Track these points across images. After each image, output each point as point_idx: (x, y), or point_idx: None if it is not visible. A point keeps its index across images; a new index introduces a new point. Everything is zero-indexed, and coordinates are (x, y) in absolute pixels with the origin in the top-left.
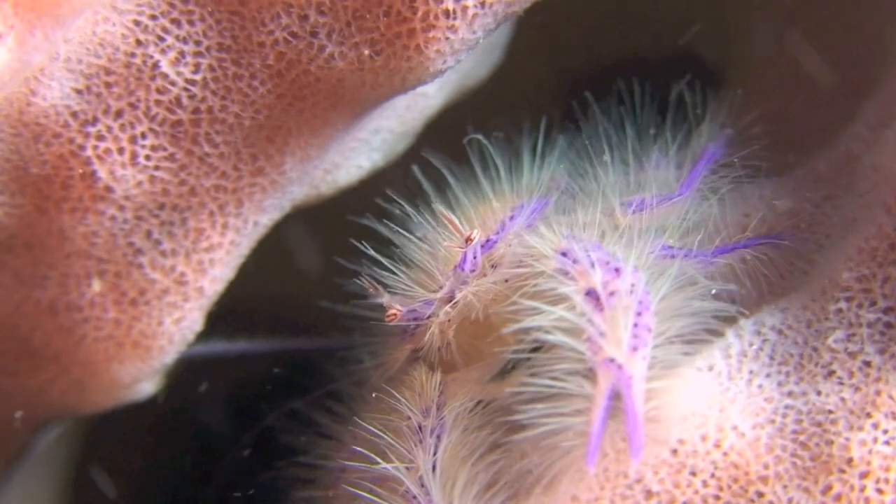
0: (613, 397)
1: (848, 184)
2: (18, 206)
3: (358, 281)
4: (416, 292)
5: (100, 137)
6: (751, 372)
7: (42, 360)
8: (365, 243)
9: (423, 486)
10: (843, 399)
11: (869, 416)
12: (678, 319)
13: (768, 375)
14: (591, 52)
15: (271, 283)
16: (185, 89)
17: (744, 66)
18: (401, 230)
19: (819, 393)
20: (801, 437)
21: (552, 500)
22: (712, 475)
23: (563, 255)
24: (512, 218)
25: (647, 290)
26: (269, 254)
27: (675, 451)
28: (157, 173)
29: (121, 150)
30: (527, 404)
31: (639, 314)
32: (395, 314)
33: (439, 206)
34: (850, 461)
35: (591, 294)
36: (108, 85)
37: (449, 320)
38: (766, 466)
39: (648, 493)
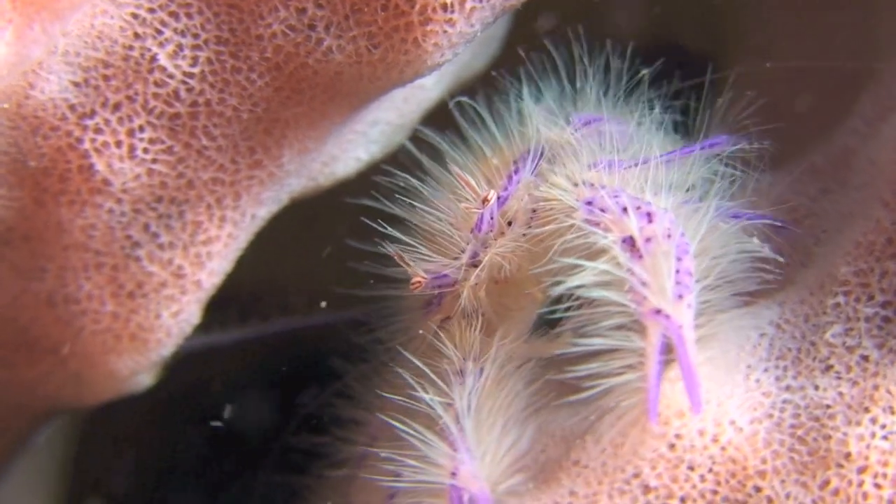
0: (664, 350)
1: (845, 178)
2: (16, 199)
3: (372, 262)
4: (436, 260)
5: (97, 130)
6: (748, 366)
7: (40, 353)
8: (378, 221)
9: (458, 423)
10: (840, 394)
11: (867, 410)
12: (719, 260)
13: (766, 370)
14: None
15: (280, 271)
16: (183, 82)
17: (737, 57)
18: (407, 201)
19: (817, 387)
20: (799, 432)
21: (550, 495)
22: (710, 470)
23: (589, 203)
24: (517, 171)
25: (683, 232)
26: (276, 241)
27: (672, 446)
28: (155, 166)
29: (118, 143)
30: (574, 364)
31: (679, 259)
32: (419, 282)
33: (456, 168)
34: (847, 456)
35: (627, 242)
36: (105, 78)
37: (478, 283)
38: (763, 461)
39: (646, 488)
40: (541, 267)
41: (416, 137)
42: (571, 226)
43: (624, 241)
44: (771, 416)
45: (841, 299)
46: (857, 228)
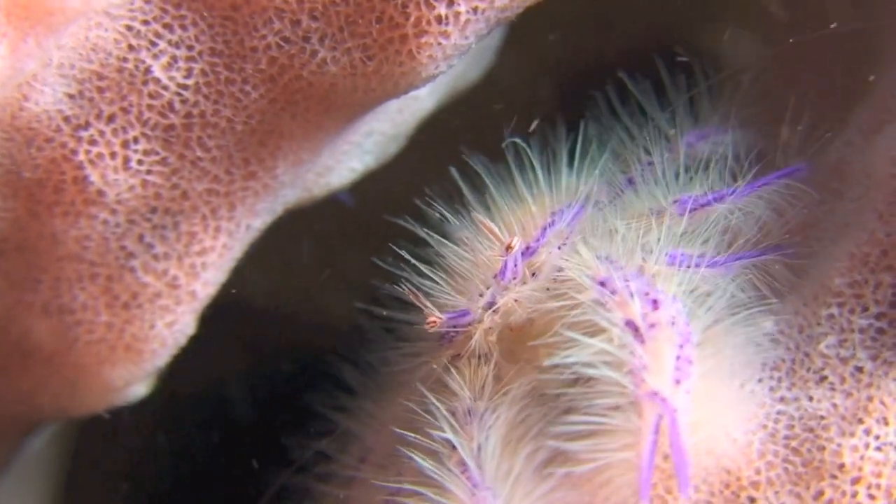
0: (658, 431)
1: (840, 189)
2: (10, 210)
3: (395, 287)
4: (456, 300)
5: (92, 142)
6: (742, 377)
7: (34, 363)
8: (403, 247)
9: (475, 460)
10: (834, 405)
11: (861, 421)
12: (719, 350)
13: (760, 381)
14: (584, 53)
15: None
16: (178, 94)
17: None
18: (440, 236)
19: (811, 398)
20: (793, 443)
21: None
22: (704, 480)
23: (602, 284)
24: (552, 224)
25: (687, 322)
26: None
27: (666, 457)
28: (150, 177)
29: (113, 155)
30: (573, 441)
31: (681, 346)
32: (434, 322)
33: (478, 215)
34: (841, 467)
35: (629, 325)
36: (100, 90)
37: (491, 327)
38: (757, 472)
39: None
40: (546, 322)
41: (464, 166)
42: (580, 304)
43: (627, 323)
44: (765, 426)
45: (835, 310)
46: (852, 240)
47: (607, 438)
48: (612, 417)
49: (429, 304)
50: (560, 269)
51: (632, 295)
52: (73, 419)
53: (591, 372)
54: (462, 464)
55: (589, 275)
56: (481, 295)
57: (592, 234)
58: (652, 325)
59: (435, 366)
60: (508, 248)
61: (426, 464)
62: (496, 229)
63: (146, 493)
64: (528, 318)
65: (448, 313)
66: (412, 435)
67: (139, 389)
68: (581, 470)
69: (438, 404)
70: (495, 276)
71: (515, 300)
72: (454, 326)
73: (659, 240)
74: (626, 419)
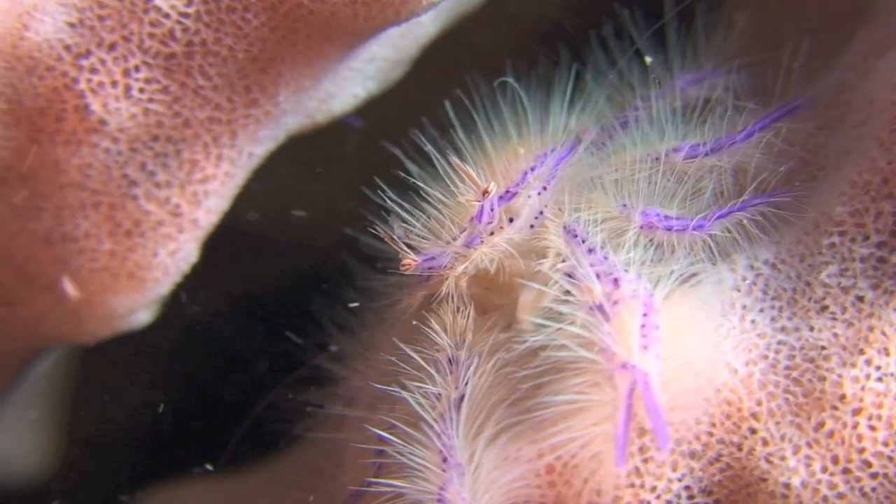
0: (632, 398)
1: (842, 114)
2: (13, 139)
3: (379, 223)
4: (434, 240)
5: (93, 70)
6: (744, 307)
7: (37, 291)
8: (394, 180)
9: (449, 420)
10: (835, 335)
11: (862, 352)
12: (686, 306)
13: (761, 310)
14: None
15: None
16: (179, 22)
17: None
18: (429, 174)
19: (812, 328)
20: (794, 374)
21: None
22: (705, 411)
23: (569, 276)
24: (534, 168)
25: (650, 293)
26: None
27: (666, 387)
28: (151, 106)
29: (114, 83)
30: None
31: (644, 315)
32: (409, 264)
33: (455, 159)
34: (842, 398)
35: (596, 308)
36: (101, 18)
37: (464, 273)
38: (758, 403)
39: (641, 431)
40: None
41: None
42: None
43: (593, 308)
44: (766, 357)
45: (836, 239)
46: (853, 167)
47: (584, 415)
48: (587, 394)
49: (404, 246)
50: (540, 213)
51: (594, 280)
52: (77, 345)
53: (563, 355)
54: (434, 428)
55: (554, 264)
56: (455, 239)
57: (574, 185)
58: (615, 303)
59: (409, 303)
60: (485, 192)
61: (395, 439)
62: (473, 174)
63: (147, 421)
64: (501, 265)
65: (422, 255)
66: (388, 388)
67: (142, 317)
68: (564, 449)
69: (419, 357)
70: (471, 220)
71: (487, 250)
72: (429, 268)
73: (639, 196)
74: (602, 394)
